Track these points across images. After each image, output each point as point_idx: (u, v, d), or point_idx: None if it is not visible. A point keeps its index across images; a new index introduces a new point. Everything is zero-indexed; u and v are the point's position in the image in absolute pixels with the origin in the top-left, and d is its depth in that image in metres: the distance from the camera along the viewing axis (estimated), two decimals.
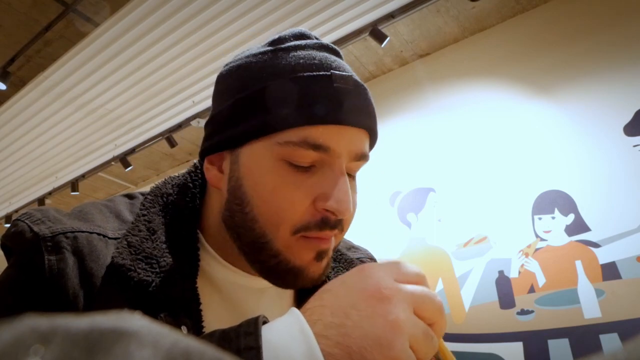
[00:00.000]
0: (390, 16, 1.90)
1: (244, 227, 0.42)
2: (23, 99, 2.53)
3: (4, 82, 2.52)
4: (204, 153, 0.47)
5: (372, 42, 2.07)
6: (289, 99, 0.40)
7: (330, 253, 0.44)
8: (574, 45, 1.94)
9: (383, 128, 2.45)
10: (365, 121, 0.43)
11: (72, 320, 0.11)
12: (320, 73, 0.41)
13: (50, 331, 0.10)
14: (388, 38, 1.93)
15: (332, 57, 0.44)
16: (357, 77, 0.44)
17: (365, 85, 0.46)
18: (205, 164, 0.46)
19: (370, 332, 0.30)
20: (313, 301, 0.34)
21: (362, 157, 0.43)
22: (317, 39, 0.47)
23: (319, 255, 0.41)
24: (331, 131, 0.40)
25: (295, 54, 0.43)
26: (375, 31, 1.93)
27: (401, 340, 0.29)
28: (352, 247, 0.61)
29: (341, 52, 0.48)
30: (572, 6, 1.99)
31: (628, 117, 1.73)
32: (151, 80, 2.34)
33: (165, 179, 0.50)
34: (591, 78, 1.86)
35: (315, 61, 0.42)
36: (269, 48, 0.45)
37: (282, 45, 0.45)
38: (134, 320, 0.11)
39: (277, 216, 0.40)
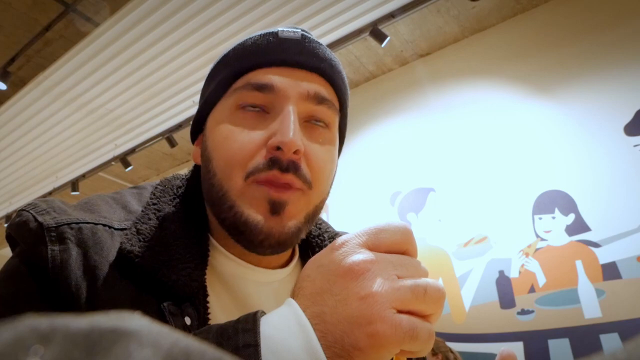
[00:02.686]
0: (391, 16, 1.90)
1: (208, 187, 0.42)
2: (23, 99, 2.53)
3: (4, 82, 2.53)
4: (193, 141, 0.49)
5: (373, 42, 2.07)
6: (238, 56, 0.43)
7: (299, 213, 0.40)
8: (574, 45, 1.94)
9: (383, 128, 2.45)
10: (316, 63, 0.42)
11: (72, 320, 0.11)
12: (268, 31, 0.43)
13: (50, 331, 0.10)
14: (388, 38, 1.93)
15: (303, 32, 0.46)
16: (315, 43, 0.44)
17: (330, 53, 0.46)
18: (193, 149, 0.48)
19: (346, 314, 0.29)
20: (296, 290, 0.33)
21: (321, 100, 0.42)
22: (305, 30, 0.48)
23: (274, 207, 0.38)
24: (274, 71, 0.41)
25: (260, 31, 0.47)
26: (375, 31, 1.93)
27: (379, 311, 0.28)
28: None
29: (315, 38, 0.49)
30: (573, 6, 1.99)
31: (629, 116, 1.73)
32: (151, 80, 2.34)
33: (173, 174, 0.51)
34: (592, 78, 1.86)
35: (271, 28, 0.44)
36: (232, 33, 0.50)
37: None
38: (134, 320, 0.11)
39: (229, 163, 0.40)
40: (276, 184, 0.38)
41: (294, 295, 0.33)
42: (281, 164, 0.38)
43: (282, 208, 0.39)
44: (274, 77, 0.40)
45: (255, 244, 0.40)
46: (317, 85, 0.42)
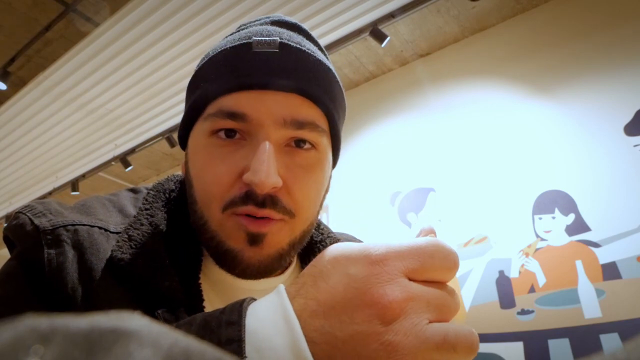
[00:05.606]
0: (391, 16, 1.90)
1: (192, 212, 0.42)
2: (23, 99, 2.53)
3: (4, 82, 2.52)
4: (182, 147, 0.48)
5: (373, 42, 2.07)
6: (210, 74, 0.41)
7: (282, 241, 0.40)
8: (574, 45, 1.94)
9: (383, 128, 2.45)
10: (295, 84, 0.39)
11: (72, 320, 0.11)
12: (242, 42, 0.40)
13: (50, 331, 0.10)
14: (388, 38, 1.93)
15: (280, 29, 0.42)
16: (295, 42, 0.40)
17: (312, 47, 0.43)
18: (183, 159, 0.48)
19: (358, 353, 0.25)
20: (303, 277, 0.28)
21: (300, 125, 0.39)
22: (292, 22, 0.45)
23: (252, 239, 0.38)
24: (246, 97, 0.38)
25: (243, 30, 0.43)
26: (375, 31, 1.93)
27: None
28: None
29: (305, 28, 0.45)
30: (573, 6, 1.99)
31: (628, 116, 1.72)
32: (151, 80, 2.34)
33: (168, 176, 0.50)
34: (591, 78, 1.86)
35: (250, 33, 0.41)
36: (229, 33, 0.46)
37: (240, 27, 0.46)
38: (134, 320, 0.11)
39: (207, 193, 0.39)
40: (254, 216, 0.38)
41: (300, 281, 0.28)
42: (256, 199, 0.37)
43: (260, 239, 0.38)
44: (247, 103, 0.38)
45: (237, 272, 0.40)
46: (295, 109, 0.39)
